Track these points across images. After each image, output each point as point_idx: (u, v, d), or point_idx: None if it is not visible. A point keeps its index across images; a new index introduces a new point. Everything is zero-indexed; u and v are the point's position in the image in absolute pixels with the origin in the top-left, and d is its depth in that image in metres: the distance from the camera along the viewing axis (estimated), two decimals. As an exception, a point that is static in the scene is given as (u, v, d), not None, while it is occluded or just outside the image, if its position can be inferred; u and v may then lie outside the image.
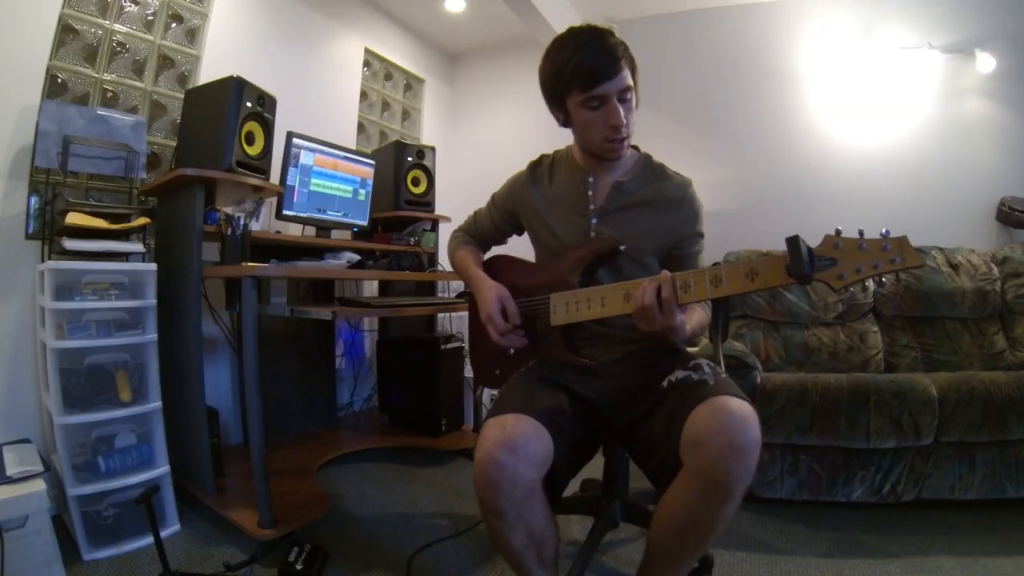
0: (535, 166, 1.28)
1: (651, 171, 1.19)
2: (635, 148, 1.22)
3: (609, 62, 1.01)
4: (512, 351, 1.21)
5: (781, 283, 0.85)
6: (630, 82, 1.05)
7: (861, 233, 0.81)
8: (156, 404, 1.58)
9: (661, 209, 1.15)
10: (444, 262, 2.56)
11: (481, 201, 1.43)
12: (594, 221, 1.15)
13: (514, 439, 0.90)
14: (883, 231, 0.79)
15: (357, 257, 2.18)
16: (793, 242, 0.80)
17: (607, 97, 1.03)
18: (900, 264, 0.77)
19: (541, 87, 1.13)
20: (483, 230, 1.40)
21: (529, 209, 1.25)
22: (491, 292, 1.19)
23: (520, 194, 1.27)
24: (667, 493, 0.91)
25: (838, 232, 0.82)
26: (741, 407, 0.84)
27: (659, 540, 0.94)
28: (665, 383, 1.00)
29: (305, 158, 2.16)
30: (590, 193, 1.16)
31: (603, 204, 1.15)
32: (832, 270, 0.81)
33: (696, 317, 1.09)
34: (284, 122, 2.09)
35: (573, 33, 1.07)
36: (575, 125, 1.12)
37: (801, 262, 0.79)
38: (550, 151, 1.29)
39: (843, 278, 0.80)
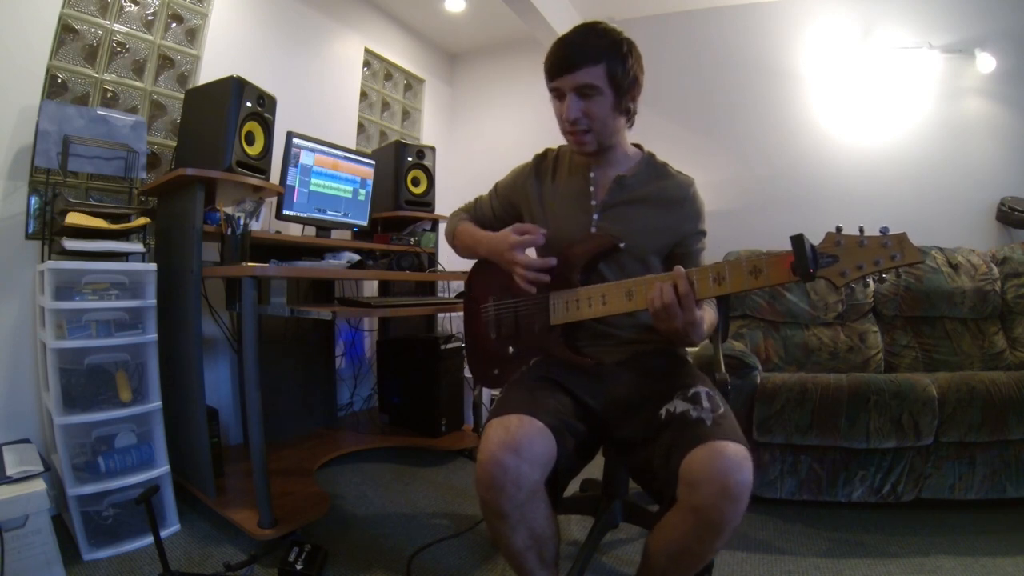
0: (540, 159, 1.28)
1: (654, 169, 1.19)
2: (638, 147, 1.22)
3: (566, 56, 1.05)
4: (511, 350, 1.21)
5: (785, 280, 0.85)
6: (590, 80, 1.04)
7: (861, 230, 0.82)
8: (156, 404, 1.58)
9: (662, 207, 1.15)
10: (444, 262, 2.57)
11: (481, 201, 1.43)
12: (595, 217, 1.16)
13: (518, 440, 0.90)
14: (882, 228, 0.80)
15: (357, 257, 2.18)
16: (797, 240, 0.81)
17: (562, 91, 1.07)
18: (900, 260, 0.78)
19: None
20: (483, 217, 1.38)
21: (531, 202, 1.25)
22: (502, 232, 1.17)
23: (523, 186, 1.27)
24: (662, 522, 0.93)
25: (839, 229, 0.83)
26: (736, 452, 0.85)
27: (655, 560, 0.96)
28: (663, 413, 0.99)
29: (305, 158, 2.16)
30: (592, 188, 1.17)
31: (604, 199, 1.16)
32: (834, 267, 0.82)
33: (708, 315, 1.08)
34: (284, 122, 2.10)
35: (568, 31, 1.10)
36: None
37: (805, 259, 0.80)
38: (554, 146, 1.29)
39: (845, 275, 0.81)
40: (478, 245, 1.26)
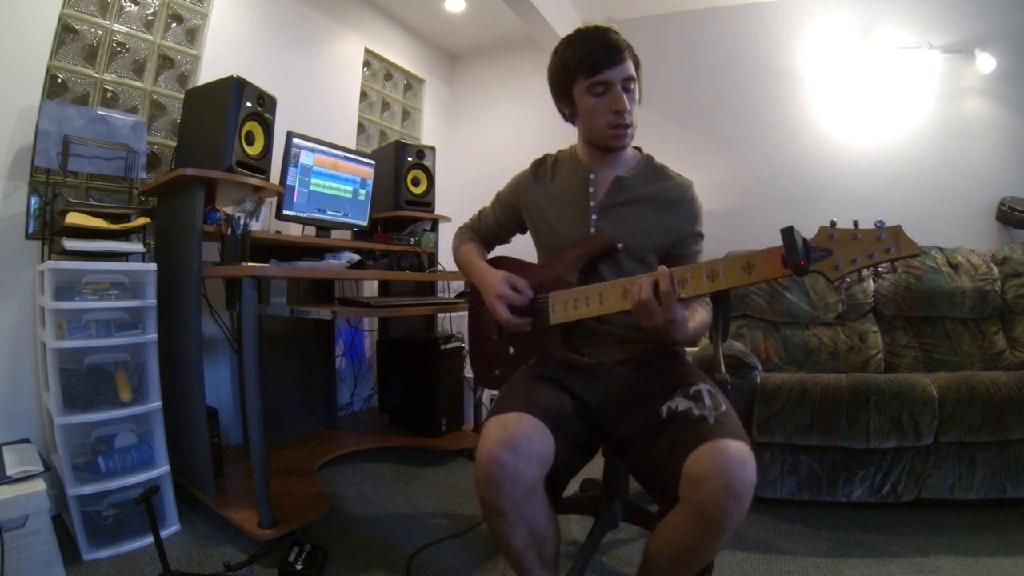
0: (538, 164, 1.29)
1: (653, 171, 1.20)
2: (638, 149, 1.23)
3: (613, 51, 1.07)
4: (512, 350, 1.21)
5: (777, 275, 0.84)
6: (633, 73, 1.09)
7: (856, 224, 0.80)
8: (156, 404, 1.58)
9: (661, 208, 1.15)
10: (444, 262, 2.57)
11: (481, 201, 1.43)
12: (594, 217, 1.16)
13: (516, 438, 0.90)
14: (877, 221, 0.79)
15: (357, 257, 2.18)
16: (788, 232, 0.80)
17: (611, 83, 1.08)
18: (896, 253, 0.77)
19: (549, 83, 1.17)
20: (487, 228, 1.40)
21: (531, 206, 1.26)
22: (497, 275, 1.20)
23: (523, 192, 1.28)
24: (664, 521, 0.93)
25: (833, 223, 0.82)
26: (740, 450, 0.85)
27: (656, 561, 0.95)
28: (664, 411, 0.99)
29: (305, 158, 2.16)
30: (591, 189, 1.17)
31: (603, 199, 1.16)
32: (828, 261, 0.81)
33: (698, 316, 1.09)
34: (284, 122, 2.10)
35: (580, 31, 1.12)
36: (580, 114, 1.14)
37: (796, 252, 0.79)
38: (553, 150, 1.30)
39: (839, 269, 0.80)
40: (472, 273, 1.30)
